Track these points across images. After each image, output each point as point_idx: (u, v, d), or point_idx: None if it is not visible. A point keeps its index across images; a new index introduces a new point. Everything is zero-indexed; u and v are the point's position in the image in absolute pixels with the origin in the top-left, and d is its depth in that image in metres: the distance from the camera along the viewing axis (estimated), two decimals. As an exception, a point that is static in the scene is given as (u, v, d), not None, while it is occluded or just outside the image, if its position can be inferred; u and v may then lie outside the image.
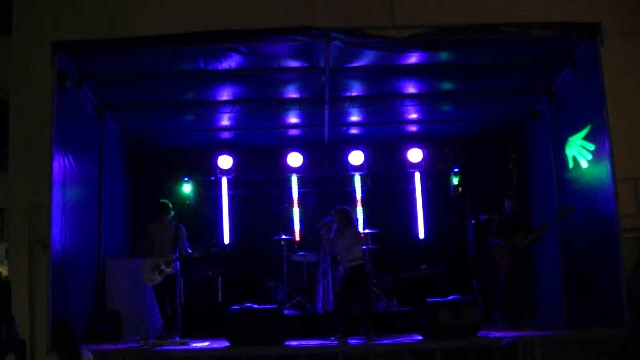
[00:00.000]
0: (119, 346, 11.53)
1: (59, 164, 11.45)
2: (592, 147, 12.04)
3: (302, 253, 14.90)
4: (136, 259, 13.93)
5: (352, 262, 12.34)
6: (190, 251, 13.00)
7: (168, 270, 12.67)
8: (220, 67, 12.66)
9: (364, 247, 14.69)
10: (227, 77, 13.28)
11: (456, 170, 16.40)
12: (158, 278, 12.60)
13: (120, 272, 13.53)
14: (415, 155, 16.46)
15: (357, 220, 12.99)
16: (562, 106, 13.41)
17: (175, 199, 15.65)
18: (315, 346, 11.22)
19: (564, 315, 13.25)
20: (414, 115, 15.41)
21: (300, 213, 16.40)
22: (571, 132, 12.85)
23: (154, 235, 13.01)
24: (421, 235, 16.54)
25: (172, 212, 13.39)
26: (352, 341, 11.50)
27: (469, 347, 10.71)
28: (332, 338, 11.63)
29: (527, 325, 12.83)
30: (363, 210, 16.36)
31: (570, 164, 13.03)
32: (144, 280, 12.66)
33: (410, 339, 11.43)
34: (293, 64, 12.82)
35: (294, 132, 16.31)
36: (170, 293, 12.87)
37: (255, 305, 11.34)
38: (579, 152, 12.62)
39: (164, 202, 13.42)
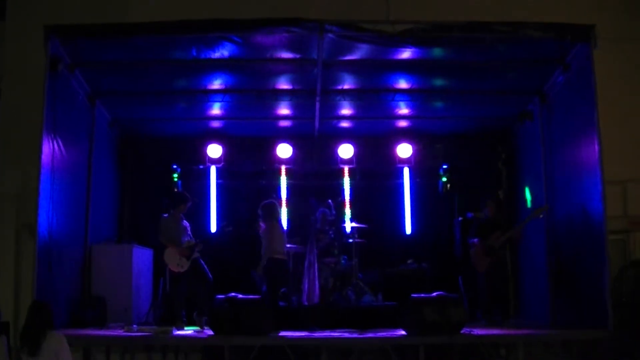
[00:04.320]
0: (103, 332, 11.51)
1: (49, 150, 11.41)
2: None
3: (288, 245, 14.87)
4: (123, 245, 13.98)
5: (275, 254, 12.79)
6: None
7: (195, 254, 13.02)
8: (212, 56, 12.64)
9: (350, 240, 14.76)
10: (220, 66, 13.26)
11: (445, 167, 16.44)
12: (187, 263, 12.88)
13: (107, 258, 13.53)
14: (404, 150, 16.51)
15: (281, 215, 13.53)
16: (553, 108, 13.45)
17: (164, 186, 15.69)
18: (299, 338, 11.21)
19: (549, 315, 13.31)
20: (405, 111, 15.41)
21: (288, 205, 16.41)
22: (562, 134, 12.91)
23: (168, 227, 13.13)
24: (408, 231, 16.61)
25: (189, 202, 13.55)
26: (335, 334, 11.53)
27: (453, 344, 10.73)
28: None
29: (510, 325, 12.88)
30: (351, 204, 16.39)
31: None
32: (171, 267, 12.87)
33: (394, 334, 11.43)
34: (286, 55, 12.80)
35: (284, 123, 16.30)
36: (201, 276, 13.09)
37: (240, 296, 11.33)
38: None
39: (180, 193, 13.56)
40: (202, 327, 12.40)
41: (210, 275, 13.20)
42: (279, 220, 13.36)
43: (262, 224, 13.17)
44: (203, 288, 12.99)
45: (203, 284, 13.03)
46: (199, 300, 12.99)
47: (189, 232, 13.41)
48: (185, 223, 13.42)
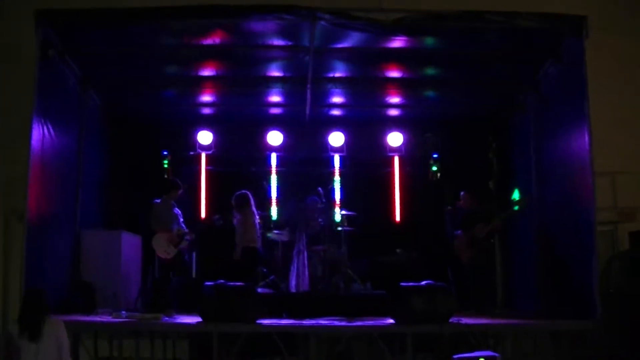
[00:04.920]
0: (92, 318, 11.49)
1: (39, 135, 11.37)
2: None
3: (278, 232, 14.90)
4: (112, 232, 13.93)
5: (250, 243, 13.36)
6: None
7: (183, 243, 13.17)
8: (204, 43, 12.63)
9: (340, 228, 14.77)
10: (211, 52, 13.27)
11: (436, 156, 16.49)
12: (174, 250, 12.96)
13: (96, 244, 13.51)
14: (395, 139, 16.55)
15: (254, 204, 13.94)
16: (545, 98, 13.43)
17: (154, 173, 15.69)
18: (287, 325, 11.21)
19: (537, 305, 13.34)
20: (396, 100, 15.46)
21: (278, 192, 16.43)
22: (553, 125, 12.90)
23: (159, 213, 13.13)
24: (398, 219, 16.63)
25: (181, 189, 13.58)
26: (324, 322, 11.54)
27: (441, 333, 10.74)
28: None
29: (498, 314, 12.91)
30: (341, 192, 16.40)
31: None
32: (159, 254, 12.91)
33: (382, 322, 11.42)
34: (278, 42, 12.79)
35: (275, 110, 16.32)
36: (182, 267, 13.33)
37: (229, 283, 11.32)
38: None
39: (172, 180, 13.63)
40: (169, 314, 12.33)
41: (191, 270, 13.28)
42: (252, 210, 13.47)
43: (236, 214, 13.40)
44: (181, 277, 13.07)
45: (182, 274, 13.11)
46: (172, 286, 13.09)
47: (181, 220, 13.42)
48: (177, 210, 13.45)
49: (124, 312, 11.80)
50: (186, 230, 13.32)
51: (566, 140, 12.17)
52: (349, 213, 15.17)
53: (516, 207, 13.98)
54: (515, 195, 14.61)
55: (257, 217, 13.68)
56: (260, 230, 13.84)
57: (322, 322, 11.55)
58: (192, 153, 16.45)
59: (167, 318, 11.60)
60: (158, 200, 13.33)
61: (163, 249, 12.90)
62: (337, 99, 15.44)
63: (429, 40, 12.70)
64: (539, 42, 12.38)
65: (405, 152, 16.68)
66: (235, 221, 13.59)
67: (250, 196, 13.71)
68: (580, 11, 11.83)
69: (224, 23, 11.95)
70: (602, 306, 10.76)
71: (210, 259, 14.92)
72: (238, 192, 13.75)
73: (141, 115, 16.09)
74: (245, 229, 13.27)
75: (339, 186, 16.51)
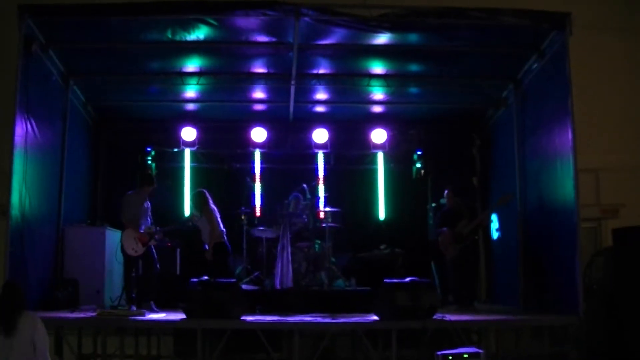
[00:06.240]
0: (75, 314, 11.45)
1: (22, 130, 11.33)
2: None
3: (262, 228, 14.88)
4: (96, 227, 13.89)
5: (219, 239, 13.39)
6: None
7: (151, 242, 13.04)
8: (188, 39, 12.59)
9: (324, 225, 14.75)
10: (195, 48, 13.24)
11: (420, 153, 16.51)
12: (142, 249, 12.84)
13: (79, 240, 13.46)
14: (379, 135, 16.52)
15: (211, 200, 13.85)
16: (528, 95, 13.50)
17: (137, 169, 15.64)
18: (271, 322, 11.19)
19: (521, 301, 13.38)
20: (380, 96, 15.43)
21: (262, 188, 16.42)
22: (536, 122, 12.96)
23: (131, 204, 13.06)
24: (382, 216, 16.67)
25: (155, 186, 13.53)
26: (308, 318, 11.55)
27: (425, 329, 10.75)
28: None
29: (481, 310, 12.94)
30: (325, 188, 16.40)
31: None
32: (126, 250, 12.80)
33: (366, 319, 11.41)
34: (261, 38, 12.79)
35: (259, 107, 16.29)
36: (150, 262, 13.11)
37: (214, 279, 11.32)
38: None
39: (149, 174, 13.58)
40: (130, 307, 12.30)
41: (158, 265, 13.20)
42: (212, 207, 13.55)
43: (197, 214, 13.56)
44: (148, 274, 13.01)
45: (150, 271, 13.04)
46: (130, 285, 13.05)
47: (149, 215, 13.30)
48: (147, 204, 13.32)
49: (107, 308, 11.77)
50: (156, 229, 13.22)
51: (549, 136, 12.20)
52: (334, 209, 15.18)
53: (495, 207, 14.11)
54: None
55: (217, 212, 13.63)
56: (223, 225, 13.77)
57: (306, 318, 11.56)
58: (175, 149, 16.40)
59: (150, 314, 11.60)
60: (131, 192, 13.29)
61: (131, 246, 12.80)
62: (321, 96, 15.46)
63: (413, 37, 12.72)
64: (522, 39, 12.44)
65: (389, 148, 16.66)
66: (197, 221, 13.58)
67: (207, 193, 13.68)
68: (561, 7, 11.85)
69: (208, 19, 11.90)
70: (584, 302, 10.81)
71: (192, 257, 14.85)
72: (194, 192, 13.83)
73: (125, 111, 16.11)
74: (212, 227, 13.26)
75: (323, 183, 16.48)
